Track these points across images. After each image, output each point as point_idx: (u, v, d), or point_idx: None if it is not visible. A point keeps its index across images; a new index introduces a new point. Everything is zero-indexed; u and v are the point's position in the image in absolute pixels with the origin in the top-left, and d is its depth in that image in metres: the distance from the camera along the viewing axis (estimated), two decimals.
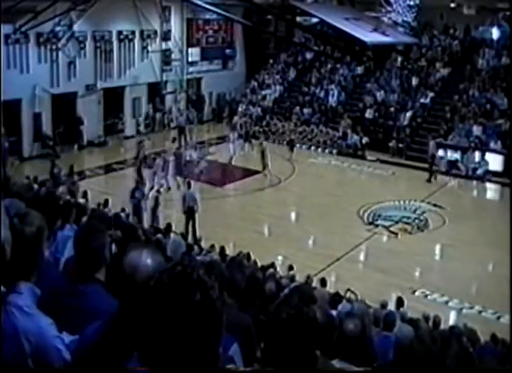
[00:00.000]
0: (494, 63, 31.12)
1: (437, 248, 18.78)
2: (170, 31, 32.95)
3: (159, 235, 14.62)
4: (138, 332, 2.02)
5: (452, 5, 31.85)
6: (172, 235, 15.30)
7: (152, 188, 21.08)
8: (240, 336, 4.04)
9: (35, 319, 2.64)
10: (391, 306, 11.59)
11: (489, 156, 26.62)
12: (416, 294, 15.26)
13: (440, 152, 27.07)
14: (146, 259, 2.93)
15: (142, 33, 31.35)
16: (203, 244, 15.85)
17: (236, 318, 4.91)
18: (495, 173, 26.04)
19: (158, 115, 32.85)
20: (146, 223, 17.95)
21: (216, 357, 1.93)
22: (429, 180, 25.19)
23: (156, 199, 19.30)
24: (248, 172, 25.03)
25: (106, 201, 18.07)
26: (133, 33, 30.88)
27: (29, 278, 2.76)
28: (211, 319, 1.88)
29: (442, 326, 10.90)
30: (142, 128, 31.75)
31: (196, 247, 15.03)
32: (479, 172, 26.21)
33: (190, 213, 18.36)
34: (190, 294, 1.87)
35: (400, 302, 11.93)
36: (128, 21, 30.31)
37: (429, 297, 15.23)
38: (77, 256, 3.45)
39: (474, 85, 30.27)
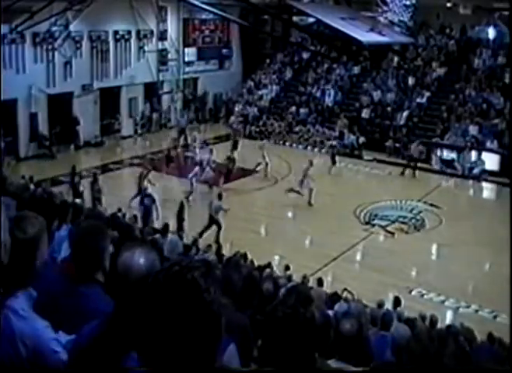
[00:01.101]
0: (490, 63, 31.20)
1: (434, 247, 18.81)
2: (166, 31, 32.95)
3: (157, 235, 14.62)
4: (134, 332, 2.02)
5: (448, 4, 31.85)
6: (169, 235, 15.28)
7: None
8: (237, 337, 4.04)
9: (30, 322, 2.64)
10: (388, 306, 11.61)
11: (485, 156, 26.69)
12: (413, 293, 15.29)
13: (436, 151, 27.28)
14: (139, 258, 2.93)
15: (138, 32, 31.32)
16: (200, 244, 15.84)
17: (233, 319, 4.91)
18: (491, 173, 26.11)
19: (155, 115, 32.83)
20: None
21: (213, 359, 1.93)
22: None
23: (182, 204, 19.05)
24: (245, 172, 25.05)
25: (99, 200, 18.12)
26: (129, 32, 30.85)
27: (24, 284, 2.74)
28: (206, 321, 1.89)
29: (439, 326, 10.93)
30: (138, 128, 31.72)
31: (194, 247, 15.03)
32: (476, 171, 26.26)
33: (211, 220, 18.27)
34: (184, 296, 1.87)
35: (397, 302, 11.95)
36: (124, 21, 30.29)
37: (425, 296, 15.26)
38: (77, 256, 3.43)
39: (470, 85, 30.33)
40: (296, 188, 21.53)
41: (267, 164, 24.69)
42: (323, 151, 29.24)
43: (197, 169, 22.62)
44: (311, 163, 22.45)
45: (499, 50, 31.34)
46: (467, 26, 33.14)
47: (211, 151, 24.09)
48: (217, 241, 17.52)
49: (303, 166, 22.08)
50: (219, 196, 18.78)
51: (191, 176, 22.26)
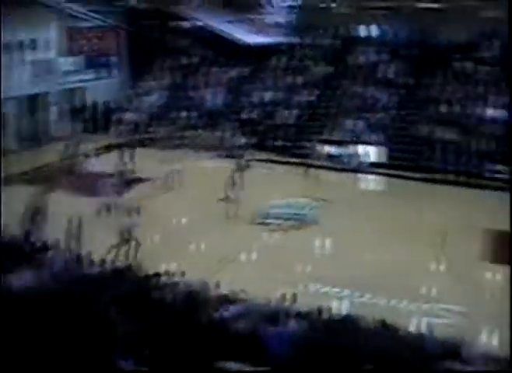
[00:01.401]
0: (374, 59, 32.51)
1: (327, 241, 19.19)
2: (50, 40, 32.11)
3: (47, 253, 14.22)
4: (25, 350, 1.99)
5: (333, 4, 32.83)
6: (62, 251, 14.90)
7: None
8: (131, 346, 4.04)
9: None
10: (284, 302, 11.73)
11: (372, 149, 28.08)
12: (309, 288, 15.53)
13: (326, 148, 28.02)
14: (28, 277, 2.89)
15: (20, 43, 30.34)
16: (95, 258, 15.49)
17: (127, 328, 4.91)
18: (379, 165, 27.40)
19: (41, 128, 31.77)
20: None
21: (109, 369, 1.93)
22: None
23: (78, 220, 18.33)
24: (140, 181, 24.78)
25: None
26: (11, 42, 29.73)
27: None
28: (99, 333, 1.89)
29: (335, 317, 11.21)
30: (24, 142, 30.51)
31: (87, 262, 14.70)
32: (363, 165, 27.40)
33: (123, 238, 17.61)
34: (76, 310, 1.86)
35: (292, 298, 12.10)
36: (5, 31, 29.17)
37: (321, 290, 15.53)
38: None
39: (356, 82, 31.42)
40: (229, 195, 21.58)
41: (168, 174, 24.35)
42: (213, 154, 29.01)
43: (101, 181, 22.04)
44: (235, 170, 22.77)
45: (382, 46, 32.85)
46: (351, 24, 34.36)
47: (107, 162, 23.58)
48: (115, 253, 17.13)
49: (227, 175, 22.12)
50: (132, 213, 18.34)
51: (95, 188, 21.64)
